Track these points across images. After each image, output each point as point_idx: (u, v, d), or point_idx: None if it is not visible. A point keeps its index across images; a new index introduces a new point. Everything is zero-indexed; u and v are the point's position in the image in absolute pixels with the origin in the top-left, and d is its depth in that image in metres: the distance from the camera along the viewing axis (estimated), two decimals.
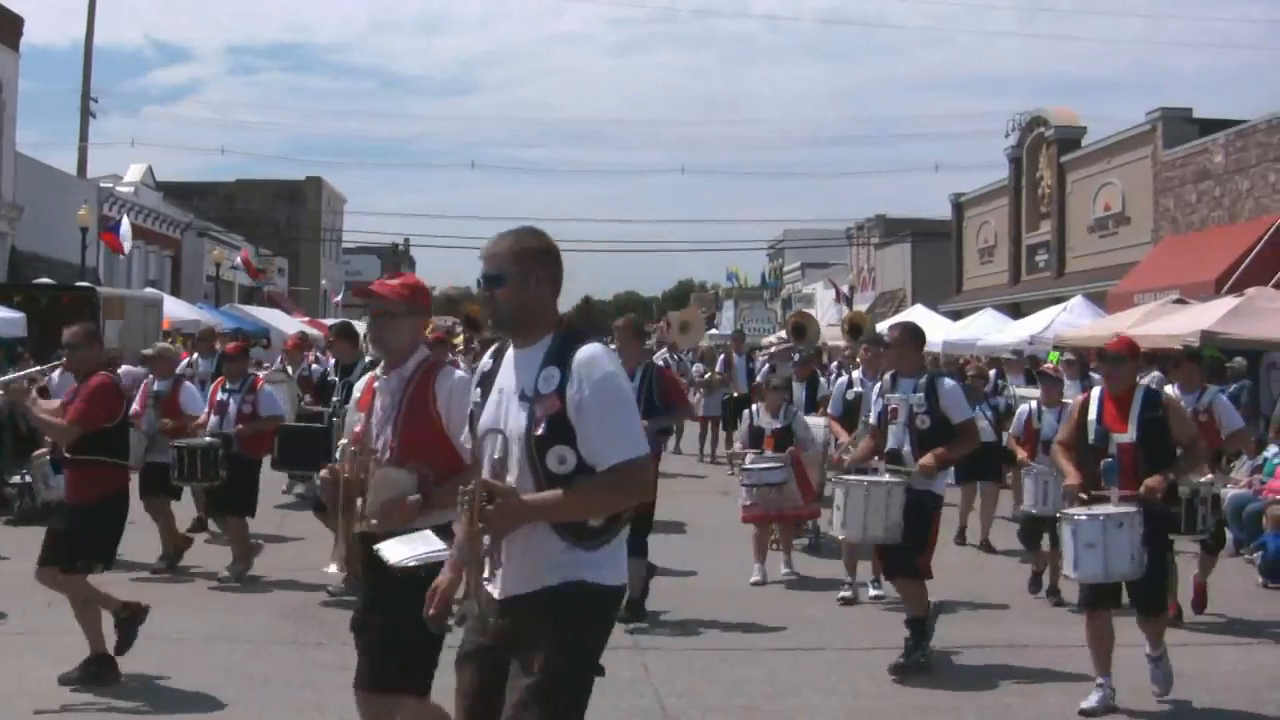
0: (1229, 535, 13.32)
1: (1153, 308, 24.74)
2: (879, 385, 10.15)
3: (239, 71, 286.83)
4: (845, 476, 9.78)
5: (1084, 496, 8.55)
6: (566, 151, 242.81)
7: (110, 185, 47.08)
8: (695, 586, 12.27)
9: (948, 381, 9.83)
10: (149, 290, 41.00)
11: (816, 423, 14.49)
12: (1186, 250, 30.58)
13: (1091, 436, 8.69)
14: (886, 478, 9.53)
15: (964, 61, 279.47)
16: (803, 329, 24.62)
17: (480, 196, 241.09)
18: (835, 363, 23.88)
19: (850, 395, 13.62)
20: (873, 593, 11.72)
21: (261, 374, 15.48)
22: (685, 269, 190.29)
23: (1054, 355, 24.56)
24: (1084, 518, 8.23)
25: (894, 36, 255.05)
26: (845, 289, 53.58)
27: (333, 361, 14.47)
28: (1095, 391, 9.08)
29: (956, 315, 39.78)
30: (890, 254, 59.78)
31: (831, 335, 32.70)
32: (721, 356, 26.89)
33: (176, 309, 39.37)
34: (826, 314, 50.66)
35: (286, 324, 46.71)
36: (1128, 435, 8.55)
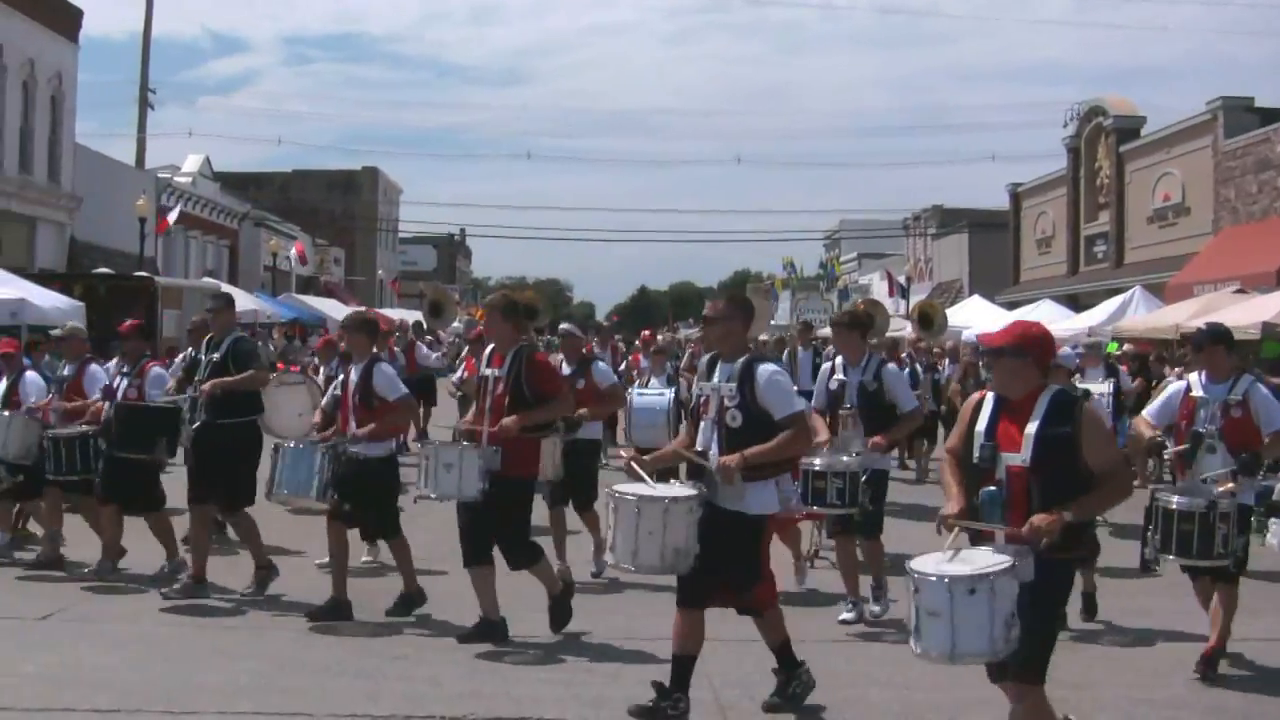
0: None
1: (1213, 298, 24.50)
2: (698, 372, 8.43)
3: (293, 62, 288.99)
4: (617, 488, 7.69)
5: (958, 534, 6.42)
6: (620, 141, 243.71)
7: (168, 176, 47.48)
8: None
9: (768, 367, 7.87)
10: (206, 280, 41.39)
11: None
12: (1247, 241, 30.29)
13: (975, 453, 6.43)
14: (673, 489, 7.68)
15: (1017, 50, 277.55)
16: (870, 320, 22.65)
17: (535, 186, 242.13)
18: (907, 354, 21.94)
19: (834, 384, 10.86)
20: (844, 616, 10.57)
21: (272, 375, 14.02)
22: (740, 259, 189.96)
23: (1113, 346, 24.34)
24: (931, 576, 5.95)
25: (947, 25, 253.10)
26: (902, 279, 53.28)
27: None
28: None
29: (1013, 306, 39.50)
30: (947, 244, 59.55)
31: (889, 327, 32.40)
32: (786, 350, 24.16)
33: (234, 298, 39.58)
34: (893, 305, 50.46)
35: (343, 314, 46.90)
36: (1020, 456, 6.26)
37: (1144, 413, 9.96)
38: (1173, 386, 9.93)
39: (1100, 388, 16.27)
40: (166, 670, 8.61)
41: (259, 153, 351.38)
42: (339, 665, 8.81)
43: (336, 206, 75.60)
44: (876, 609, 10.68)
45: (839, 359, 10.90)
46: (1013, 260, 51.08)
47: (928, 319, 23.81)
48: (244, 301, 40.40)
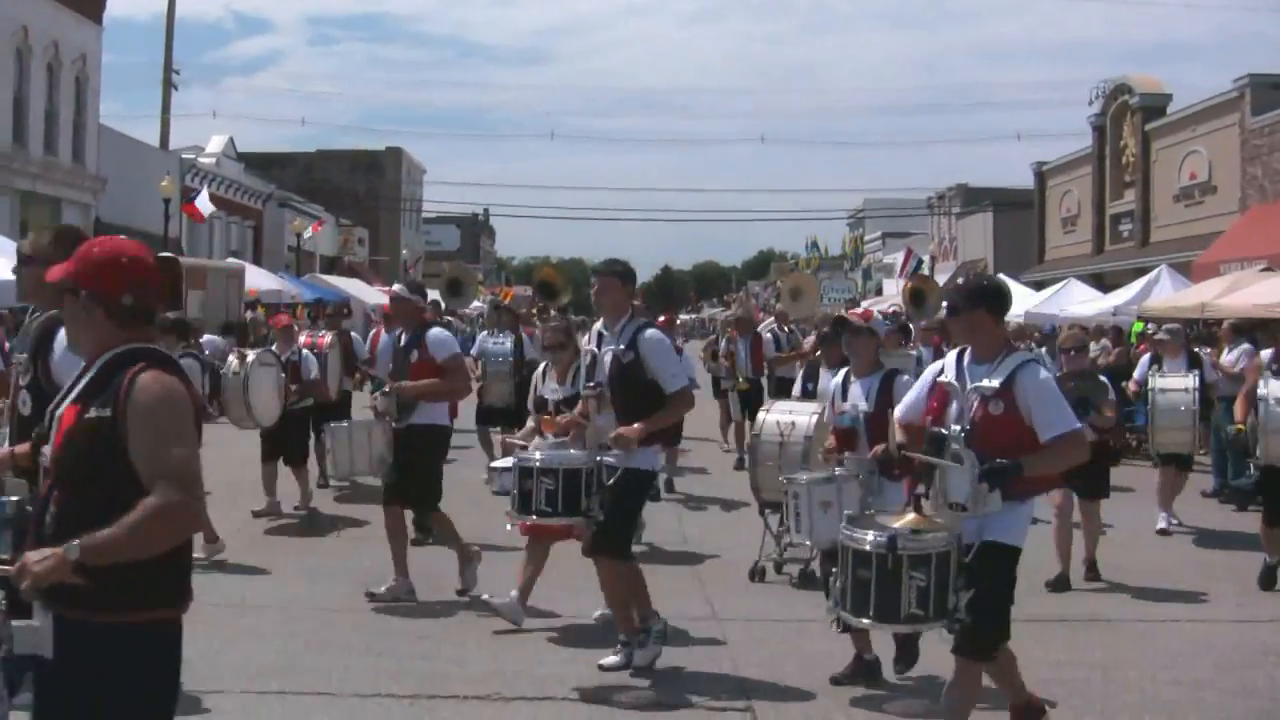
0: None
1: (1239, 276, 24.38)
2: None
3: (318, 42, 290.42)
4: None
5: None
6: (644, 120, 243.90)
7: (192, 156, 47.55)
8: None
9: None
10: (231, 260, 41.51)
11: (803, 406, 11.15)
12: (1274, 219, 30.10)
13: None
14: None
15: (1044, 28, 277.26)
16: (922, 296, 19.94)
17: (559, 166, 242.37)
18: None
19: (586, 357, 8.83)
20: (606, 660, 8.35)
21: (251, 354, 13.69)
22: (765, 239, 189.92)
23: (1139, 325, 24.26)
24: None
25: (973, 3, 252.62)
26: (926, 258, 53.13)
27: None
28: None
29: (1039, 285, 39.39)
30: (971, 223, 59.35)
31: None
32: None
33: (258, 279, 39.83)
34: (899, 284, 50.36)
35: (367, 294, 47.16)
36: None
37: (898, 408, 7.16)
38: (930, 369, 6.95)
39: (1184, 382, 13.75)
40: (195, 649, 8.57)
41: (283, 133, 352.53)
42: (365, 646, 8.82)
43: (360, 187, 75.64)
44: (640, 655, 8.32)
45: (598, 325, 8.61)
46: (1037, 239, 50.90)
47: (919, 297, 21.31)
48: (268, 282, 40.67)
